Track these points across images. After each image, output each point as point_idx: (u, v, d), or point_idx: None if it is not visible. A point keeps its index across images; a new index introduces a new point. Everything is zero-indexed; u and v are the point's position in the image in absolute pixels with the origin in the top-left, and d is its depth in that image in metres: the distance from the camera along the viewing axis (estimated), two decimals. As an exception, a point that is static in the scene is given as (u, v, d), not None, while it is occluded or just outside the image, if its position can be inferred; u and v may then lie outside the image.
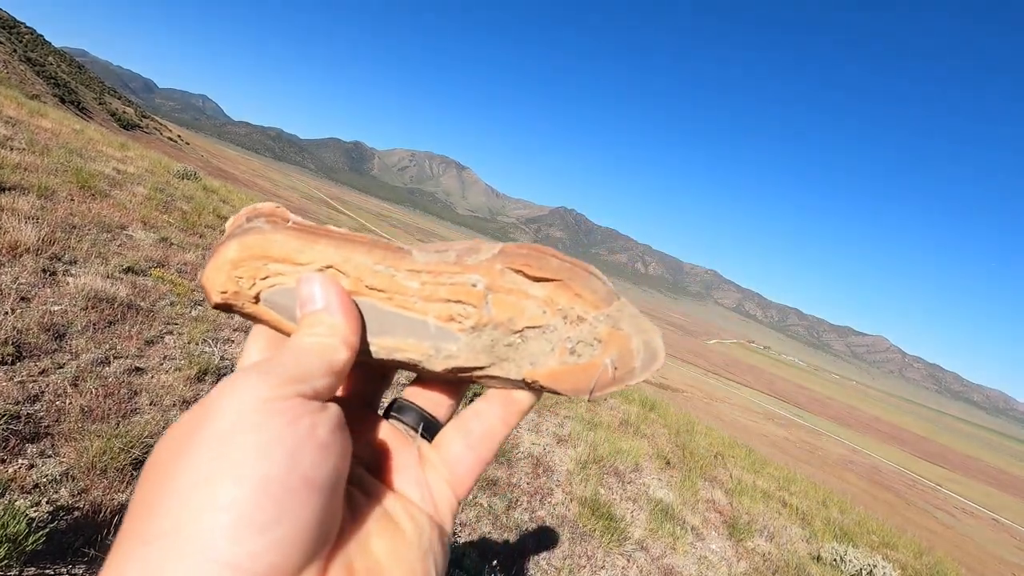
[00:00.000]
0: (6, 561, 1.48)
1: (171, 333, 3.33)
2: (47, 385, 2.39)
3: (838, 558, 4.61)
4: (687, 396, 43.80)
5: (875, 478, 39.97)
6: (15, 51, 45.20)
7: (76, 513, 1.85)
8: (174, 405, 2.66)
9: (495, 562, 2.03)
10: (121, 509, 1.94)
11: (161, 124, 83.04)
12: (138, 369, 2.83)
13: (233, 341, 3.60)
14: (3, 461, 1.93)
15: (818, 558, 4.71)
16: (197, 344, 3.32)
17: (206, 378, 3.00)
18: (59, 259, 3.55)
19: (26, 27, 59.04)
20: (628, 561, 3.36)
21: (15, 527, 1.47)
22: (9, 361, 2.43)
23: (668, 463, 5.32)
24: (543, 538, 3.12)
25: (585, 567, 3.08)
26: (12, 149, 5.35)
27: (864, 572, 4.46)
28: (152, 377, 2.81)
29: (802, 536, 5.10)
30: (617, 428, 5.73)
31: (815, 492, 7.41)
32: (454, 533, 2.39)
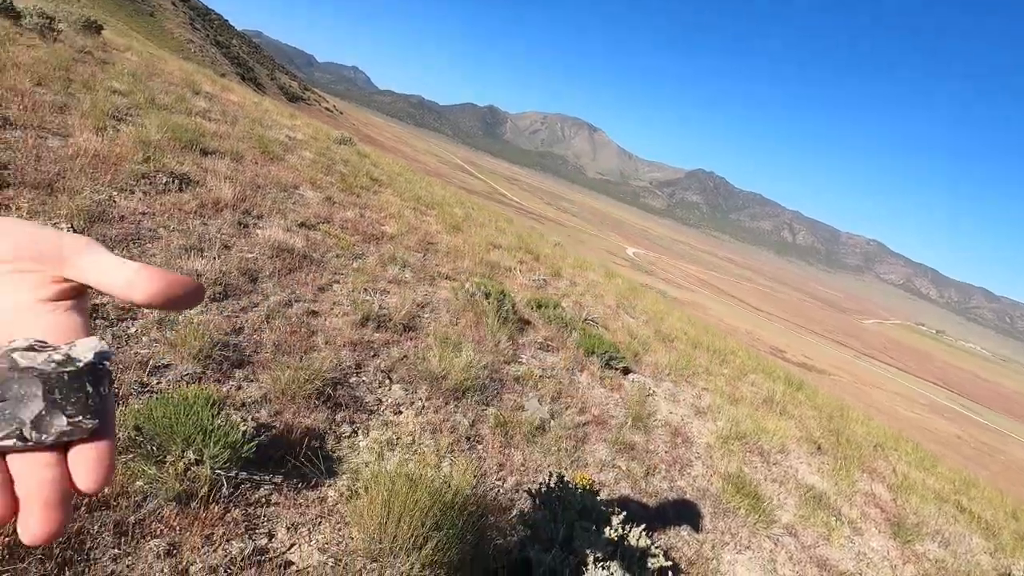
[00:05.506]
0: (228, 464, 1.75)
1: (338, 282, 3.69)
2: (246, 321, 2.77)
3: (1036, 580, 3.92)
4: (834, 379, 39.68)
5: (1077, 494, 33.35)
6: (208, 36, 52.26)
7: (273, 431, 2.13)
8: (343, 346, 2.95)
9: (643, 526, 1.99)
10: (308, 431, 2.21)
11: (320, 96, 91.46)
12: (313, 312, 3.17)
13: (389, 292, 3.89)
14: (219, 381, 2.28)
15: (1008, 575, 4.05)
16: (359, 293, 3.64)
17: (368, 323, 3.28)
18: (249, 214, 4.07)
19: (215, 14, 67.83)
20: (776, 545, 3.14)
21: (235, 436, 1.73)
22: (219, 298, 2.85)
23: (819, 448, 4.86)
24: (684, 509, 3.02)
25: (729, 544, 2.94)
26: (210, 120, 6.20)
27: (1073, 601, 3.75)
28: (325, 320, 3.14)
29: (986, 548, 4.41)
30: (760, 406, 5.34)
31: (1001, 500, 6.34)
32: (596, 491, 2.39)
